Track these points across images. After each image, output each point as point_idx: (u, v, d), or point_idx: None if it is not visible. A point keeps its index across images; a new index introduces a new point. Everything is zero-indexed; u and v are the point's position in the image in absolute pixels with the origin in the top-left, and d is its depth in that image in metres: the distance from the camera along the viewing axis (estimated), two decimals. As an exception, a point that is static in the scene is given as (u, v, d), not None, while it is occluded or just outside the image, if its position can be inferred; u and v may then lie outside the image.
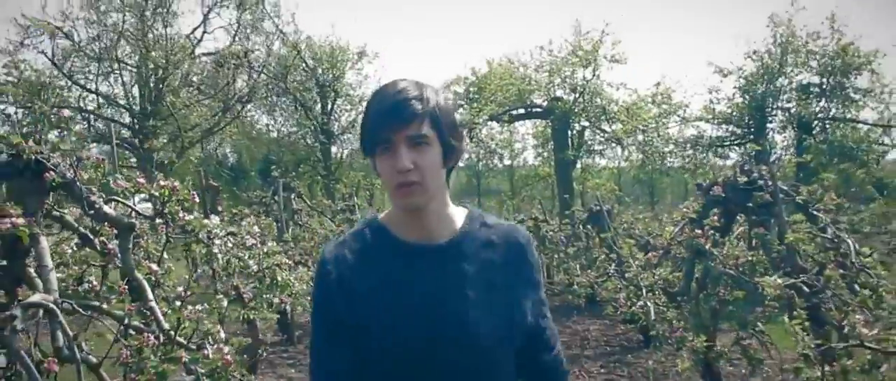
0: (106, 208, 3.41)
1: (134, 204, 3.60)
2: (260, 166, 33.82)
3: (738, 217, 5.89)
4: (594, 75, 22.90)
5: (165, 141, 24.07)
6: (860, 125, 22.22)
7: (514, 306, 1.76)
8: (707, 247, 5.22)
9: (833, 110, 22.40)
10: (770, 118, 22.89)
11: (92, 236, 3.65)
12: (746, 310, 5.01)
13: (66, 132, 3.32)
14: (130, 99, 24.49)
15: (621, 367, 7.64)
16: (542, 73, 24.14)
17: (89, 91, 23.44)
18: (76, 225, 3.60)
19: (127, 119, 24.50)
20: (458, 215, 1.82)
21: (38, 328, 3.13)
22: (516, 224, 1.91)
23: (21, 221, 2.83)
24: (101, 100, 24.07)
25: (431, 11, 76.32)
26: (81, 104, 23.34)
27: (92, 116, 23.46)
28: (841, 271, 4.84)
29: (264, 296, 5.43)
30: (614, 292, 6.67)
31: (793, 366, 3.95)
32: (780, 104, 22.72)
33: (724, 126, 23.70)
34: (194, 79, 25.78)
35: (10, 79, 21.22)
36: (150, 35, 23.60)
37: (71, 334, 2.81)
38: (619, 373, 7.42)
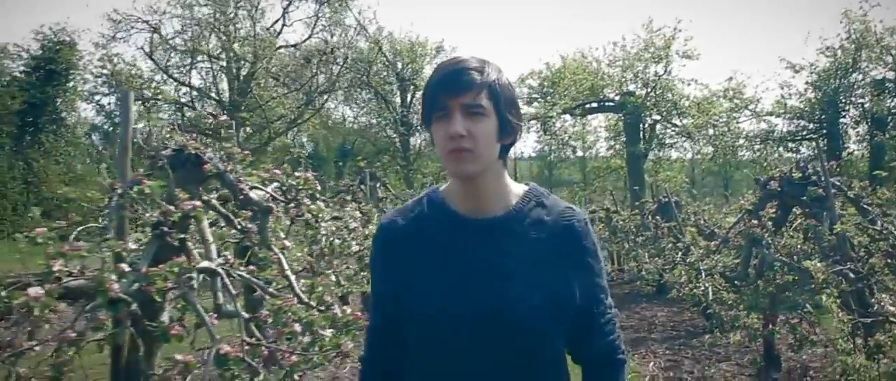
0: (251, 194, 4.14)
1: (269, 191, 4.33)
2: (335, 156, 34.78)
3: (794, 210, 6.32)
4: (666, 71, 23.29)
5: (251, 132, 25.06)
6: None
7: (559, 286, 1.69)
8: (764, 236, 5.70)
9: (909, 106, 22.12)
10: (843, 114, 22.73)
11: (233, 217, 4.37)
12: (798, 295, 5.45)
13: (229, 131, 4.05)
14: (219, 91, 25.61)
15: (686, 349, 8.10)
16: (614, 68, 24.60)
17: (182, 84, 24.62)
18: (223, 209, 4.33)
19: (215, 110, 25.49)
20: (516, 191, 1.78)
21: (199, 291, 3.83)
22: (575, 207, 1.83)
23: (198, 202, 3.56)
24: (193, 93, 25.26)
25: (507, 5, 76.53)
26: (176, 95, 24.56)
27: (184, 107, 24.63)
28: (888, 260, 5.27)
29: (363, 274, 6.15)
30: (678, 277, 7.15)
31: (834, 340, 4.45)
32: (853, 99, 22.58)
33: (796, 121, 23.64)
34: (276, 71, 26.74)
35: (104, 71, 22.56)
36: (231, 28, 24.65)
37: (233, 292, 3.52)
38: (684, 355, 7.88)
